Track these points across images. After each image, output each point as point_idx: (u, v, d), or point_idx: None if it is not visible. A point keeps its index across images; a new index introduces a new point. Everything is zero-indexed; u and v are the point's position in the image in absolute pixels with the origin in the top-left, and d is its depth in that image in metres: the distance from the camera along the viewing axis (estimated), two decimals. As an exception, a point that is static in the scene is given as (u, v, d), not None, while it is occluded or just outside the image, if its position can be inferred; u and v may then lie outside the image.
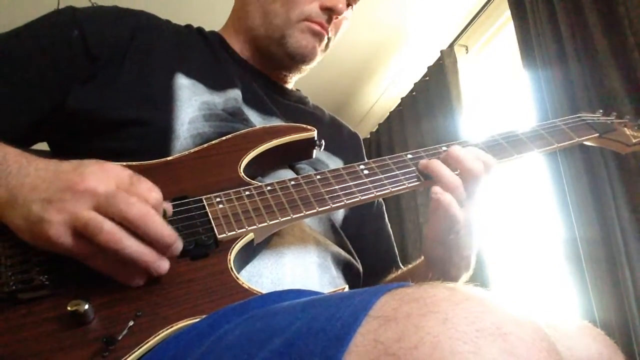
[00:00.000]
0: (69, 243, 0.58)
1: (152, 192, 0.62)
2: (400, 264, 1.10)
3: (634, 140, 1.01)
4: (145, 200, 0.61)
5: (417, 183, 0.81)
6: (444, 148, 0.86)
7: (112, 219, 0.58)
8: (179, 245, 0.62)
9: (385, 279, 1.03)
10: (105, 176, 0.61)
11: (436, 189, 0.78)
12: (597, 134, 0.98)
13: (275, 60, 1.02)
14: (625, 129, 1.03)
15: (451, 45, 2.98)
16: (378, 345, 0.39)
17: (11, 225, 0.61)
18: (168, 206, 0.66)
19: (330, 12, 0.99)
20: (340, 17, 1.01)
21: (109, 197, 0.59)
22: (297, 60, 1.01)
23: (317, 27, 0.99)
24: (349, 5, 1.04)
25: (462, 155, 0.80)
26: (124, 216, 0.58)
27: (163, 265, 0.61)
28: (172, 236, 0.61)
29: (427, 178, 0.82)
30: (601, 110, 1.06)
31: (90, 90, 0.83)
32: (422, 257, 0.92)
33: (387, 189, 0.79)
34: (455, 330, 0.38)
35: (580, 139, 0.97)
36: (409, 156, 0.84)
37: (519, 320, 0.40)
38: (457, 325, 0.38)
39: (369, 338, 0.39)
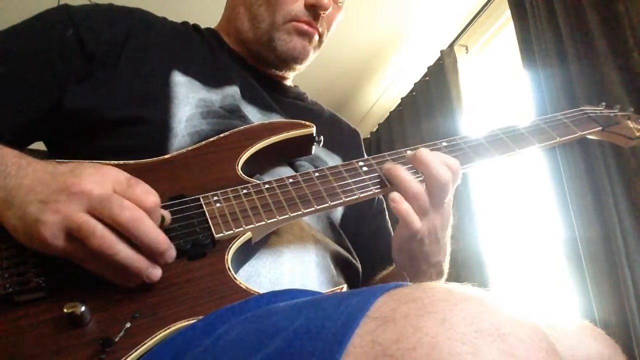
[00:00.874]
0: (63, 245, 0.58)
1: (149, 195, 0.61)
2: None
3: (637, 134, 0.99)
4: (141, 204, 0.60)
5: (419, 179, 0.80)
6: (444, 143, 0.85)
7: (106, 223, 0.58)
8: (172, 253, 0.61)
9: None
10: (102, 179, 0.61)
11: (394, 196, 0.74)
12: (600, 128, 0.96)
13: (266, 62, 1.02)
14: (629, 121, 1.00)
15: (451, 45, 2.98)
16: (376, 346, 0.38)
17: (7, 225, 0.61)
18: (166, 213, 0.65)
19: (316, 9, 0.97)
20: (327, 11, 0.98)
21: (102, 200, 0.58)
22: (287, 62, 1.00)
23: (304, 27, 0.97)
24: None
25: (430, 160, 0.75)
26: (116, 220, 0.57)
27: (154, 273, 0.60)
28: (164, 243, 0.60)
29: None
30: (604, 104, 1.03)
31: (87, 89, 0.82)
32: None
33: (387, 185, 0.78)
34: (454, 331, 0.37)
35: (582, 133, 0.94)
36: (409, 152, 0.83)
37: (518, 320, 0.39)
38: (455, 326, 0.38)
39: (366, 339, 0.39)
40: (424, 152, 0.76)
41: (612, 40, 1.88)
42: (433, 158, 0.75)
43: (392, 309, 0.41)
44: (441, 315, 0.39)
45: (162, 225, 0.63)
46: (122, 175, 0.62)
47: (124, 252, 0.58)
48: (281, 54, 0.98)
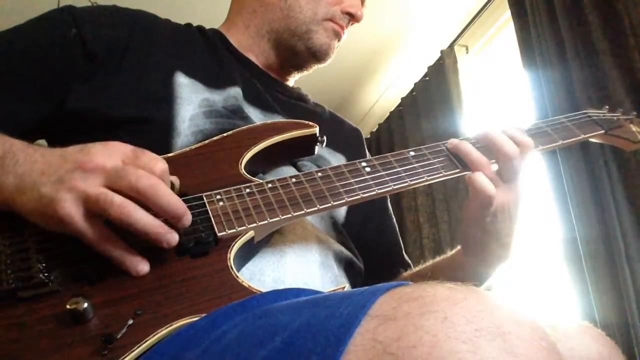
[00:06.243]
0: (80, 221, 0.59)
1: (157, 162, 0.63)
2: (406, 257, 1.10)
3: (639, 137, 1.00)
4: (151, 170, 0.62)
5: (420, 180, 0.80)
6: (448, 145, 0.86)
7: (122, 193, 0.59)
8: (188, 216, 0.63)
9: (390, 273, 1.03)
10: (111, 152, 0.62)
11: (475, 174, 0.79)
12: (603, 131, 0.96)
13: (293, 55, 1.03)
14: (632, 125, 1.01)
15: (451, 45, 2.98)
16: (377, 344, 0.39)
17: (22, 210, 0.62)
18: (175, 179, 0.67)
19: (350, 18, 1.05)
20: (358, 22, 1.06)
21: (117, 171, 0.60)
22: (317, 56, 1.03)
23: (338, 29, 1.03)
24: None
25: (496, 137, 0.81)
26: (134, 187, 0.59)
27: (173, 237, 0.62)
28: (181, 206, 0.62)
29: (431, 174, 0.81)
30: (607, 107, 1.04)
31: (90, 89, 0.83)
32: (459, 247, 0.93)
33: (389, 186, 0.78)
34: (454, 330, 0.38)
35: (585, 136, 0.95)
36: (412, 153, 0.84)
37: (518, 319, 0.40)
38: (456, 324, 0.38)
39: (367, 337, 0.39)
40: (490, 129, 0.83)
41: (613, 40, 1.88)
42: (499, 133, 0.81)
43: (393, 307, 0.41)
44: (442, 314, 0.39)
45: (172, 190, 0.64)
46: (128, 148, 0.64)
47: (144, 218, 0.59)
48: (315, 46, 1.01)
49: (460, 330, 0.38)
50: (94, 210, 0.59)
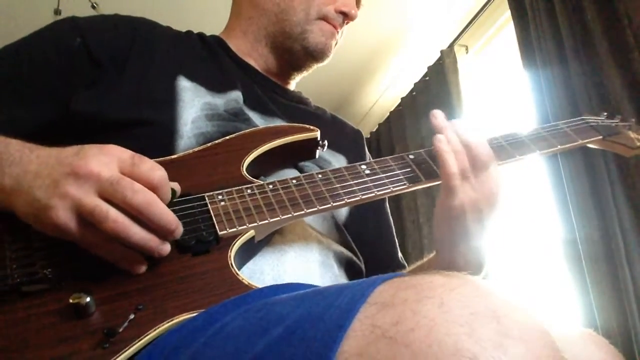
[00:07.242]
0: (75, 229, 0.59)
1: (155, 171, 0.63)
2: (400, 255, 1.10)
3: (637, 144, 1.00)
4: (149, 180, 0.61)
5: (419, 182, 0.81)
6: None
7: (116, 205, 0.59)
8: (180, 229, 0.63)
9: (385, 272, 1.03)
10: (108, 159, 0.61)
11: (439, 136, 0.80)
12: (601, 137, 0.98)
13: (290, 56, 1.04)
14: (630, 132, 1.02)
15: (451, 45, 2.99)
16: (376, 329, 0.39)
17: (18, 212, 0.62)
18: (176, 185, 0.68)
19: (345, 17, 1.05)
20: (353, 21, 1.06)
21: (113, 183, 0.59)
22: (314, 56, 1.03)
23: (332, 28, 1.04)
24: None
25: (469, 132, 0.81)
26: (129, 203, 0.59)
27: (165, 248, 0.63)
28: (174, 222, 0.62)
29: (428, 177, 0.81)
30: (605, 113, 1.05)
31: (94, 93, 0.84)
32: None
33: (388, 188, 0.80)
34: (451, 314, 0.39)
35: (583, 141, 0.96)
36: (411, 157, 0.85)
37: (513, 304, 0.41)
38: (452, 309, 0.39)
39: (366, 323, 0.40)
40: (458, 122, 0.83)
41: (612, 40, 1.88)
42: (450, 132, 0.82)
43: (391, 295, 0.42)
44: (438, 300, 0.40)
45: (173, 197, 0.65)
46: (126, 154, 0.63)
47: (138, 233, 0.60)
48: (311, 45, 1.02)
49: (456, 314, 0.39)
50: (88, 220, 0.59)
